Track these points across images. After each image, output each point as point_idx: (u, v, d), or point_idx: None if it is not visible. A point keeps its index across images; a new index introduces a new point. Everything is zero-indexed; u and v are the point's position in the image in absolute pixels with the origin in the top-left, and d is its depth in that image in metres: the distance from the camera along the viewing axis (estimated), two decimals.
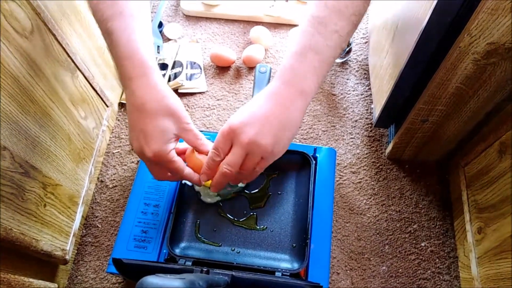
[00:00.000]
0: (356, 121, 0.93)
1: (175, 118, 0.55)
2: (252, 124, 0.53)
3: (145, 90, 0.54)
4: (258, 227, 0.71)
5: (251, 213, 0.73)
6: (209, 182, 0.62)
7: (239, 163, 0.55)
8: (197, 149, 0.61)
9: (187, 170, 0.61)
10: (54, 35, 0.66)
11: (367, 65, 0.99)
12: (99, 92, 0.83)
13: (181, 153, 0.62)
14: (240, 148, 0.54)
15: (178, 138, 0.58)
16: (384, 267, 0.79)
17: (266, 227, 0.71)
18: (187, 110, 0.94)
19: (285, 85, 0.53)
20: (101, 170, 0.88)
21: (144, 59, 0.54)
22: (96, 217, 0.84)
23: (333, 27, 0.53)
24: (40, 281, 0.66)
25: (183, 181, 0.73)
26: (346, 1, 0.52)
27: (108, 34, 0.54)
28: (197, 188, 0.74)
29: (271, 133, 0.53)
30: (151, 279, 0.45)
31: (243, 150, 0.54)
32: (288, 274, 0.64)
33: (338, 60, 1.00)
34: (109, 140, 0.92)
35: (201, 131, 0.82)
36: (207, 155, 0.59)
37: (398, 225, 0.82)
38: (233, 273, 0.60)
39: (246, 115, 0.54)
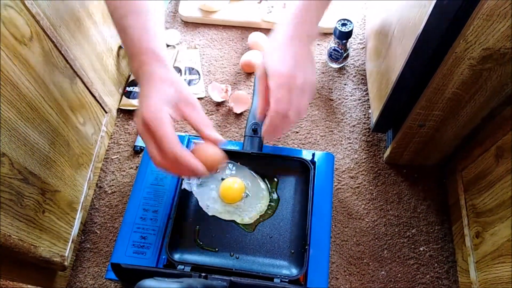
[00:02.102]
0: (354, 126, 0.93)
1: (177, 89, 0.56)
2: (298, 67, 0.58)
3: (156, 67, 0.56)
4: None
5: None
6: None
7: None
8: (200, 131, 0.59)
9: (185, 152, 0.54)
10: (53, 42, 0.66)
11: (365, 70, 1.00)
12: (97, 98, 0.83)
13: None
14: (300, 91, 0.59)
15: (178, 109, 0.56)
16: (383, 272, 0.79)
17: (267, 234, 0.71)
18: None
19: (301, 29, 0.60)
20: (99, 176, 0.88)
21: (156, 52, 0.56)
22: (95, 223, 0.84)
23: None
24: (38, 287, 0.66)
25: (183, 187, 0.72)
26: None
27: (123, 30, 0.57)
28: (196, 193, 0.74)
29: (310, 68, 0.61)
30: (149, 282, 0.45)
31: (302, 92, 0.59)
32: (287, 280, 0.64)
33: (336, 66, 1.00)
34: (108, 146, 0.92)
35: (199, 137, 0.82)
36: (214, 143, 0.59)
37: (396, 230, 0.82)
38: (232, 278, 0.60)
39: (288, 61, 0.58)
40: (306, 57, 0.60)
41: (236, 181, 0.73)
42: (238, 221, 0.72)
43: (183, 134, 0.85)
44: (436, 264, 0.79)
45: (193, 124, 0.58)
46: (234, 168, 0.76)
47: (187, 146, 0.82)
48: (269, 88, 0.59)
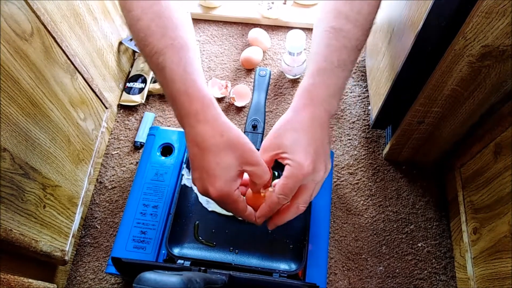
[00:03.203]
0: (353, 122, 0.94)
1: (237, 151, 0.50)
2: (318, 159, 0.51)
3: (205, 125, 0.49)
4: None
5: None
6: None
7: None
8: (263, 186, 0.55)
9: (249, 211, 0.55)
10: (53, 37, 0.67)
11: (364, 67, 1.00)
12: (98, 93, 0.83)
13: (243, 185, 0.58)
14: (313, 183, 0.53)
15: (242, 173, 0.53)
16: (381, 268, 0.79)
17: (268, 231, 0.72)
18: None
19: (320, 105, 0.52)
20: (100, 172, 0.89)
21: (201, 93, 0.50)
22: (95, 218, 0.84)
23: (355, 43, 0.52)
24: (39, 281, 0.66)
25: (183, 183, 0.73)
26: (365, 14, 0.52)
27: (160, 69, 0.50)
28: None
29: (327, 158, 0.53)
30: (149, 275, 0.46)
31: (314, 185, 0.53)
32: (286, 275, 0.65)
33: None
34: (108, 141, 0.92)
35: None
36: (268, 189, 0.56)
37: (395, 226, 0.83)
38: (231, 273, 0.60)
39: (310, 152, 0.51)
40: (326, 141, 0.53)
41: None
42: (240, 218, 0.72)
43: None
44: (434, 260, 0.80)
45: (257, 180, 0.54)
46: None
47: None
48: (284, 177, 0.52)
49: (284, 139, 0.52)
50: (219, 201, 0.53)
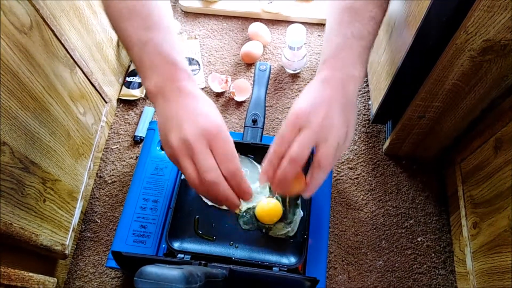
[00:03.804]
0: None
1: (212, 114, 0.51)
2: (319, 107, 0.49)
3: (195, 87, 0.52)
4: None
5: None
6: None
7: (309, 149, 0.49)
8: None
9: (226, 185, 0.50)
10: (53, 31, 0.66)
11: None
12: (97, 88, 0.83)
13: None
14: (311, 132, 0.49)
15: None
16: (380, 262, 0.80)
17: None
18: None
19: (336, 71, 0.52)
20: (100, 166, 0.89)
21: (186, 69, 0.52)
22: (95, 212, 0.84)
23: (369, 14, 0.54)
24: (39, 275, 0.66)
25: (183, 177, 0.73)
26: None
27: (143, 43, 0.51)
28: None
29: (340, 113, 0.50)
30: (150, 268, 0.46)
31: (314, 134, 0.49)
32: (286, 269, 0.65)
33: None
34: (108, 136, 0.92)
35: None
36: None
37: (394, 220, 0.83)
38: (231, 267, 0.60)
39: (310, 100, 0.50)
40: (341, 101, 0.51)
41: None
42: (237, 211, 0.72)
43: None
44: (433, 254, 0.80)
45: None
46: None
47: None
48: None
49: (296, 103, 0.52)
50: (208, 136, 0.48)
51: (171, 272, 0.45)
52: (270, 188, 0.73)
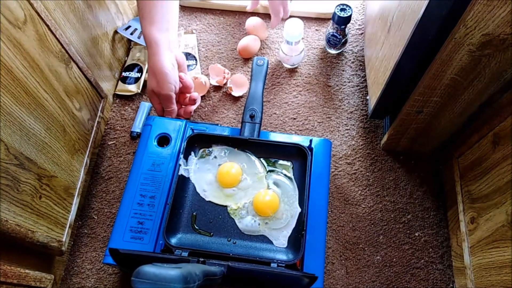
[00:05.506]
0: (351, 112, 0.93)
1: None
2: None
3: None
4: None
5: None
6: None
7: None
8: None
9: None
10: (47, 25, 0.65)
11: (363, 56, 0.99)
12: (93, 83, 0.82)
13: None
14: None
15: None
16: (378, 257, 0.80)
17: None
18: None
19: None
20: (96, 162, 0.88)
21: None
22: (92, 208, 0.84)
23: None
24: (36, 272, 0.66)
25: (180, 173, 0.73)
26: None
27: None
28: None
29: None
30: (148, 268, 0.45)
31: None
32: (284, 265, 0.65)
33: (334, 51, 0.99)
34: (104, 131, 0.91)
35: (197, 123, 0.82)
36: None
37: (392, 216, 0.83)
38: (229, 263, 0.60)
39: None
40: None
41: (233, 166, 0.74)
42: (234, 207, 0.72)
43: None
44: (430, 249, 0.80)
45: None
46: (229, 153, 0.76)
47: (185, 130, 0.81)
48: None
49: None
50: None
51: (169, 272, 0.45)
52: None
